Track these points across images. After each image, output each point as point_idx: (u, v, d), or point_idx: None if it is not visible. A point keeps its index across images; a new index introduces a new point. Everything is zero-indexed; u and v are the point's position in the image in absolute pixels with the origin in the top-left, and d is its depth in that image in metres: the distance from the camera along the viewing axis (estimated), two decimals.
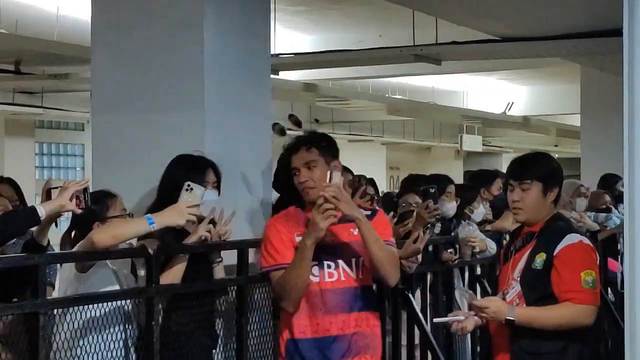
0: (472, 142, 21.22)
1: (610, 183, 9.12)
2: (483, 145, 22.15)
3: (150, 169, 4.71)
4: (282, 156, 4.50)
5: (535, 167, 4.27)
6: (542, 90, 18.03)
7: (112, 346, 4.08)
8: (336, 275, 4.18)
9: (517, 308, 4.07)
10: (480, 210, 6.56)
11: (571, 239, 4.19)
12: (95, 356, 4.03)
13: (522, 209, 4.23)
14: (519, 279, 4.17)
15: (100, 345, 4.05)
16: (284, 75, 11.97)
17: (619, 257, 8.14)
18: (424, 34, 9.97)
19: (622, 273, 7.99)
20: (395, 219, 5.58)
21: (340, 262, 4.19)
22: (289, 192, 4.53)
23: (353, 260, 4.20)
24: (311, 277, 4.14)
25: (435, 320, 4.57)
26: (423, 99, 17.11)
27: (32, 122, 15.81)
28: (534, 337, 4.10)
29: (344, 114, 19.30)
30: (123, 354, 4.11)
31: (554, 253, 4.13)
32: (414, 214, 5.49)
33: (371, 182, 6.34)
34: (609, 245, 8.05)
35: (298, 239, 4.14)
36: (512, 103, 18.35)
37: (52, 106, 14.91)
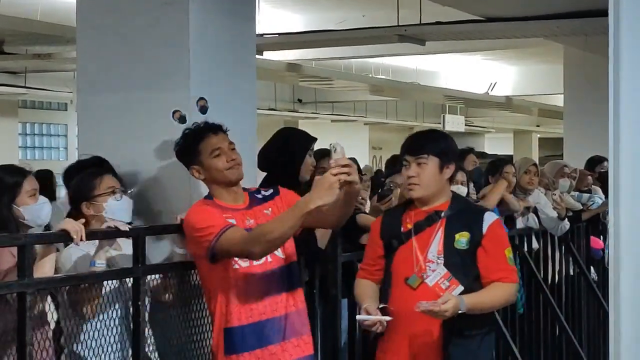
0: (455, 122, 21.26)
1: (596, 164, 9.16)
2: (466, 125, 22.20)
3: (136, 148, 4.72)
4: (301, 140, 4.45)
5: (432, 143, 4.15)
6: (525, 70, 18.08)
7: (111, 324, 4.08)
8: (264, 258, 4.13)
9: (464, 298, 3.91)
10: (462, 190, 6.58)
11: (492, 217, 4.14)
12: (95, 335, 4.02)
13: (418, 184, 4.09)
14: (440, 261, 4.03)
15: (100, 324, 4.04)
16: (268, 55, 11.95)
17: (601, 235, 8.21)
18: (408, 14, 9.97)
19: (604, 250, 8.07)
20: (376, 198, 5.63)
21: None
22: (278, 173, 4.54)
23: None
24: (241, 263, 4.10)
25: (359, 317, 4.05)
26: (406, 79, 17.13)
27: (15, 102, 15.74)
28: (466, 321, 3.96)
29: (327, 94, 19.31)
30: (122, 334, 4.12)
31: (483, 232, 4.05)
32: (395, 191, 5.52)
33: (354, 162, 6.35)
34: (591, 224, 8.11)
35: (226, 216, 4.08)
36: (495, 83, 18.40)
37: (35, 86, 14.86)
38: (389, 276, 4.14)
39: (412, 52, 12.71)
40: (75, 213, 4.22)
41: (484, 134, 28.69)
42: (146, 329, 4.17)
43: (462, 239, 4.05)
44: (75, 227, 3.84)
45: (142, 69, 4.81)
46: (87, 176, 4.30)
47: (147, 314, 4.20)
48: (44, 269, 3.89)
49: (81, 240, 3.83)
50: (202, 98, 4.63)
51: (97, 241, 4.09)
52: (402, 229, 4.13)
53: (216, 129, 4.26)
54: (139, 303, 4.05)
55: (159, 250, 4.46)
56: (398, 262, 4.12)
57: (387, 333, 4.08)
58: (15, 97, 15.42)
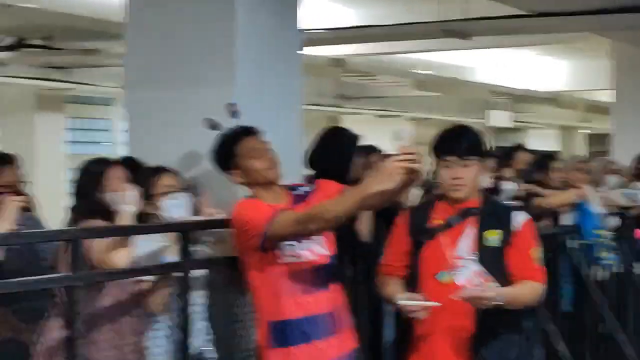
0: (500, 118, 21.12)
1: None
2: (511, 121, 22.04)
3: (183, 143, 4.76)
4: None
5: (475, 142, 4.14)
6: (571, 65, 17.90)
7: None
8: (309, 253, 4.18)
9: (502, 290, 3.91)
10: (509, 187, 6.54)
11: (523, 215, 4.13)
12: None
13: (465, 185, 4.07)
14: (470, 257, 4.03)
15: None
16: (311, 50, 11.95)
17: None
18: (453, 9, 9.92)
19: None
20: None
21: (313, 240, 4.18)
22: (326, 173, 4.55)
23: (321, 235, 4.20)
24: (287, 258, 4.14)
25: (402, 302, 3.96)
26: (450, 74, 17.04)
27: (62, 97, 15.88)
28: (496, 319, 3.97)
29: (370, 90, 19.26)
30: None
31: (514, 230, 4.05)
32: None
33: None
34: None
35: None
36: (542, 79, 18.25)
37: (81, 81, 14.98)
38: (416, 272, 4.13)
39: (457, 47, 12.63)
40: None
41: (528, 130, 28.46)
42: (202, 322, 4.23)
43: (493, 237, 4.04)
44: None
45: (188, 64, 4.85)
46: (145, 176, 4.36)
47: (203, 307, 4.25)
48: (116, 259, 3.97)
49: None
50: (233, 103, 4.65)
51: (166, 237, 4.15)
52: (430, 225, 4.13)
53: (250, 131, 4.29)
54: (186, 297, 4.08)
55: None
56: (426, 259, 4.11)
57: (419, 327, 4.08)
58: (62, 92, 15.55)
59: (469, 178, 4.07)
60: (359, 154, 5.19)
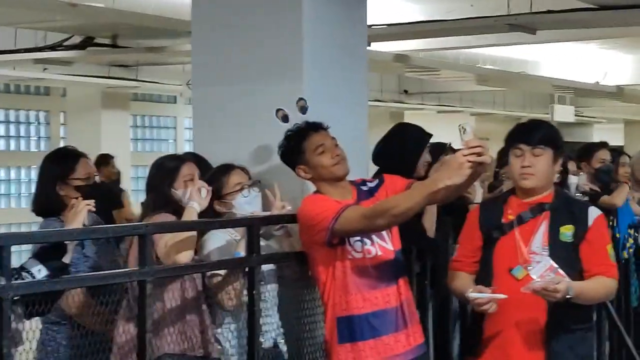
0: (564, 112, 20.88)
1: None
2: (575, 115, 21.79)
3: (251, 140, 4.78)
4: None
5: (549, 134, 4.12)
6: (636, 59, 17.65)
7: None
8: (375, 248, 4.19)
9: (573, 284, 3.88)
10: (573, 180, 6.47)
11: (596, 211, 4.11)
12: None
13: (534, 174, 4.04)
14: (544, 252, 4.00)
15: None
16: (375, 46, 11.93)
17: None
18: (517, 2, 9.83)
19: None
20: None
21: (379, 235, 4.19)
22: (393, 169, 4.56)
23: (387, 230, 4.21)
24: (354, 254, 4.15)
25: (472, 295, 3.93)
26: (513, 69, 16.90)
27: (127, 95, 16.06)
28: (569, 314, 3.96)
29: (433, 85, 19.17)
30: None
31: (588, 225, 4.02)
32: (506, 183, 5.51)
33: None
34: None
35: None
36: (606, 72, 18.01)
37: (146, 79, 15.13)
38: (490, 267, 4.10)
39: (521, 41, 12.51)
40: (209, 210, 4.31)
41: (593, 124, 28.11)
42: (273, 317, 4.29)
43: (567, 232, 4.03)
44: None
45: (255, 61, 4.86)
46: (215, 175, 4.39)
47: (275, 302, 4.30)
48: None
49: None
50: (301, 99, 4.65)
51: (237, 232, 4.18)
52: (503, 220, 4.10)
53: (317, 127, 4.30)
54: (254, 292, 4.11)
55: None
56: (499, 254, 4.08)
57: (488, 323, 4.06)
58: (127, 90, 15.73)
59: (538, 168, 4.05)
60: (427, 152, 5.18)
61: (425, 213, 4.98)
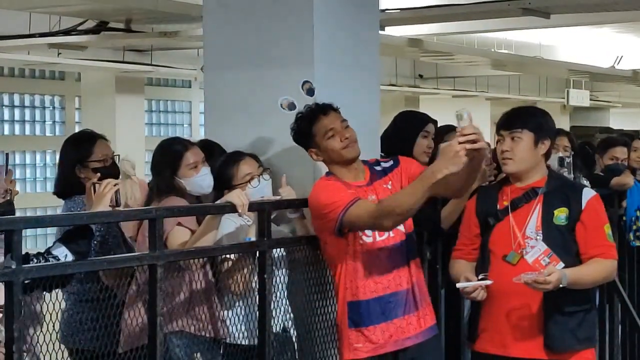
0: (579, 97, 20.81)
1: None
2: (590, 100, 21.71)
3: (261, 125, 4.78)
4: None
5: (527, 117, 4.15)
6: None
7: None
8: (386, 232, 4.17)
9: (566, 272, 3.89)
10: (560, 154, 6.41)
11: (590, 192, 4.11)
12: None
13: (511, 159, 4.09)
14: (539, 237, 4.02)
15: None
16: (389, 30, 11.90)
17: None
18: None
19: None
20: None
21: None
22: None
23: None
24: (364, 238, 4.15)
25: (460, 284, 4.01)
26: (528, 53, 16.84)
27: (141, 79, 16.06)
28: (566, 297, 3.96)
29: (448, 69, 19.13)
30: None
31: (582, 207, 4.02)
32: None
33: None
34: None
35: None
36: (622, 56, 17.93)
37: (160, 64, 15.14)
38: (487, 254, 4.14)
39: (536, 25, 12.47)
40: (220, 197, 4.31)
41: (609, 109, 27.99)
42: (283, 301, 4.30)
43: (561, 215, 4.03)
44: (242, 200, 3.98)
45: (267, 45, 4.85)
46: (224, 165, 4.39)
47: (284, 287, 4.31)
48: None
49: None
50: (306, 81, 4.65)
51: (249, 217, 4.19)
52: (498, 206, 4.13)
53: (326, 109, 4.29)
54: (265, 276, 4.12)
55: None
56: (495, 240, 4.11)
57: (486, 309, 4.09)
58: (142, 75, 15.73)
59: (516, 152, 4.08)
60: (424, 138, 5.21)
61: (449, 204, 4.89)
